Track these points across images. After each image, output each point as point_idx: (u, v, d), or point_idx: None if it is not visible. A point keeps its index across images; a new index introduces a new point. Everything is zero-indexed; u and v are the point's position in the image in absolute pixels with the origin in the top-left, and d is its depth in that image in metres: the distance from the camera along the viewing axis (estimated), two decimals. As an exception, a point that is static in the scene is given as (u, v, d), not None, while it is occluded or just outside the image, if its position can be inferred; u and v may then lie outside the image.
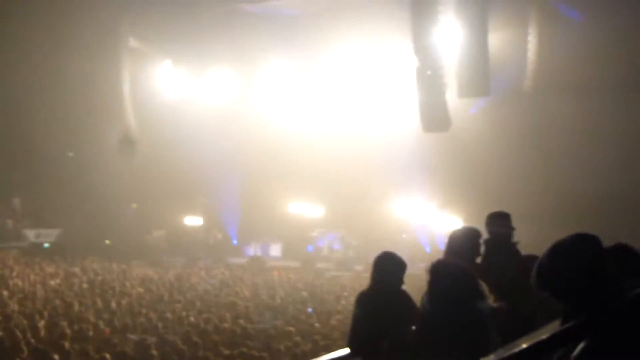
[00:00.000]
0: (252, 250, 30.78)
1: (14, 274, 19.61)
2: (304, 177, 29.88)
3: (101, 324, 11.99)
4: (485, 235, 6.68)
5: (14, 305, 13.93)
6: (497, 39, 24.38)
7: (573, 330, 2.57)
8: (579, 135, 23.82)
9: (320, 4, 28.46)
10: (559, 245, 2.81)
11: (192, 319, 12.90)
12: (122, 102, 30.73)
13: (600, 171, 23.26)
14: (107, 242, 30.02)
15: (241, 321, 12.52)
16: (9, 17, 26.75)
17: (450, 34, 23.56)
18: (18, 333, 10.45)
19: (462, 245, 6.26)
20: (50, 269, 21.55)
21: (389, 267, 5.52)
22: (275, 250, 30.63)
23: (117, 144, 30.11)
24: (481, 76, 23.23)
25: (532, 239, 7.05)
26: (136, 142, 30.44)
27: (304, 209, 30.92)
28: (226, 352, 10.04)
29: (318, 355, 7.31)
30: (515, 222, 7.06)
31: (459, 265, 5.17)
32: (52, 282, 18.28)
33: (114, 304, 14.50)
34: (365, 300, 5.61)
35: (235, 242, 31.79)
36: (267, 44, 29.25)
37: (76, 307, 13.91)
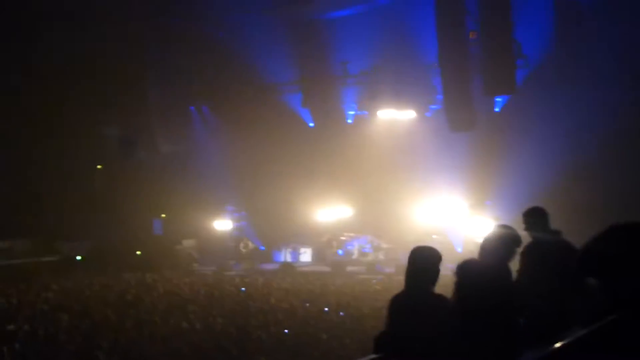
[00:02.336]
0: (282, 256, 30.79)
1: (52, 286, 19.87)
2: (332, 180, 29.84)
3: (134, 334, 12.05)
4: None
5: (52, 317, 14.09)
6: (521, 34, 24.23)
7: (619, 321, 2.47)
8: (611, 128, 23.46)
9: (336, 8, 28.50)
10: (616, 229, 2.67)
11: (224, 326, 12.89)
12: (148, 112, 30.92)
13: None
14: (138, 253, 30.19)
15: (272, 328, 12.50)
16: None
17: (474, 30, 23.45)
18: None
19: (496, 248, 6.16)
20: (83, 280, 21.81)
21: (422, 260, 5.42)
22: (305, 255, 30.61)
23: (143, 154, 30.39)
24: (506, 74, 23.09)
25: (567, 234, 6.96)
26: (162, 152, 30.70)
27: (332, 213, 30.85)
28: (262, 359, 10.04)
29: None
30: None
31: (485, 265, 5.12)
32: (87, 293, 18.48)
33: (145, 313, 14.58)
34: (398, 304, 5.54)
35: (262, 247, 31.80)
36: (290, 47, 29.32)
37: (112, 317, 14.04)
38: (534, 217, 7.25)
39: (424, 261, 5.38)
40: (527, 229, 7.19)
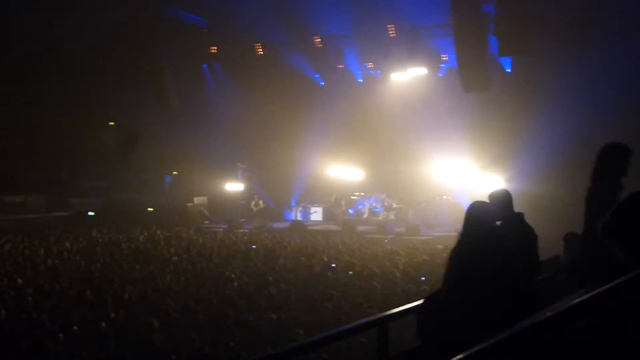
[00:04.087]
0: (293, 214, 30.92)
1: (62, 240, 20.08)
2: (343, 140, 29.80)
3: (147, 289, 12.20)
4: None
5: (64, 272, 14.26)
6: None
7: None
8: (629, 95, 23.20)
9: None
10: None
11: (236, 283, 13.02)
12: (161, 68, 30.78)
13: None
14: (150, 209, 30.40)
15: (282, 285, 12.61)
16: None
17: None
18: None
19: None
20: (94, 235, 22.02)
21: (480, 213, 5.56)
22: (316, 214, 30.69)
23: (156, 111, 30.40)
24: (521, 34, 22.85)
25: (576, 197, 6.88)
26: (175, 109, 30.70)
27: (343, 172, 30.86)
28: (272, 315, 10.14)
29: (361, 317, 7.33)
30: (557, 181, 6.91)
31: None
32: (97, 249, 18.67)
33: (156, 269, 14.74)
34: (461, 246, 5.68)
35: (272, 206, 31.86)
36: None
37: (123, 271, 14.21)
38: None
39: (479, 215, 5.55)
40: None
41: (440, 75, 29.37)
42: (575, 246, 7.02)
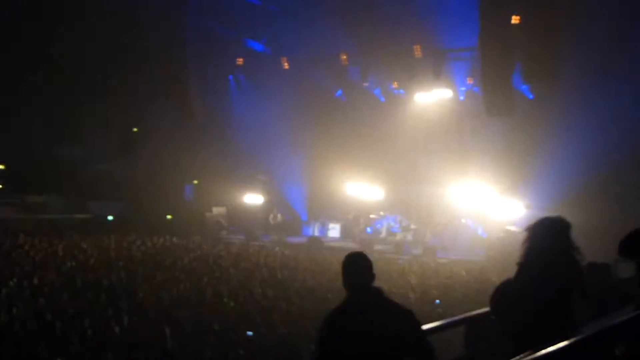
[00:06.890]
0: (311, 230, 30.94)
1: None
2: (363, 158, 29.82)
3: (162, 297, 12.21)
4: None
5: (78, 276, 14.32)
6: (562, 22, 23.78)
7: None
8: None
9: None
10: None
11: (249, 296, 13.00)
12: (188, 78, 30.93)
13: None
14: (169, 217, 30.49)
15: (296, 300, 12.59)
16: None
17: (517, 18, 23.14)
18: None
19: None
20: (112, 241, 22.09)
21: (356, 267, 4.77)
22: (334, 230, 30.70)
23: (179, 120, 30.53)
24: (547, 61, 22.74)
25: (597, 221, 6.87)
26: (199, 118, 30.82)
27: (362, 190, 30.87)
28: (283, 330, 10.11)
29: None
30: (577, 208, 6.84)
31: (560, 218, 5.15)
32: (113, 253, 18.72)
33: (172, 277, 14.77)
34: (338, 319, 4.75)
35: (288, 218, 31.84)
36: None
37: (138, 279, 14.25)
38: None
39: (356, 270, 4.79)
40: None
41: (462, 98, 29.33)
42: (595, 276, 6.90)
